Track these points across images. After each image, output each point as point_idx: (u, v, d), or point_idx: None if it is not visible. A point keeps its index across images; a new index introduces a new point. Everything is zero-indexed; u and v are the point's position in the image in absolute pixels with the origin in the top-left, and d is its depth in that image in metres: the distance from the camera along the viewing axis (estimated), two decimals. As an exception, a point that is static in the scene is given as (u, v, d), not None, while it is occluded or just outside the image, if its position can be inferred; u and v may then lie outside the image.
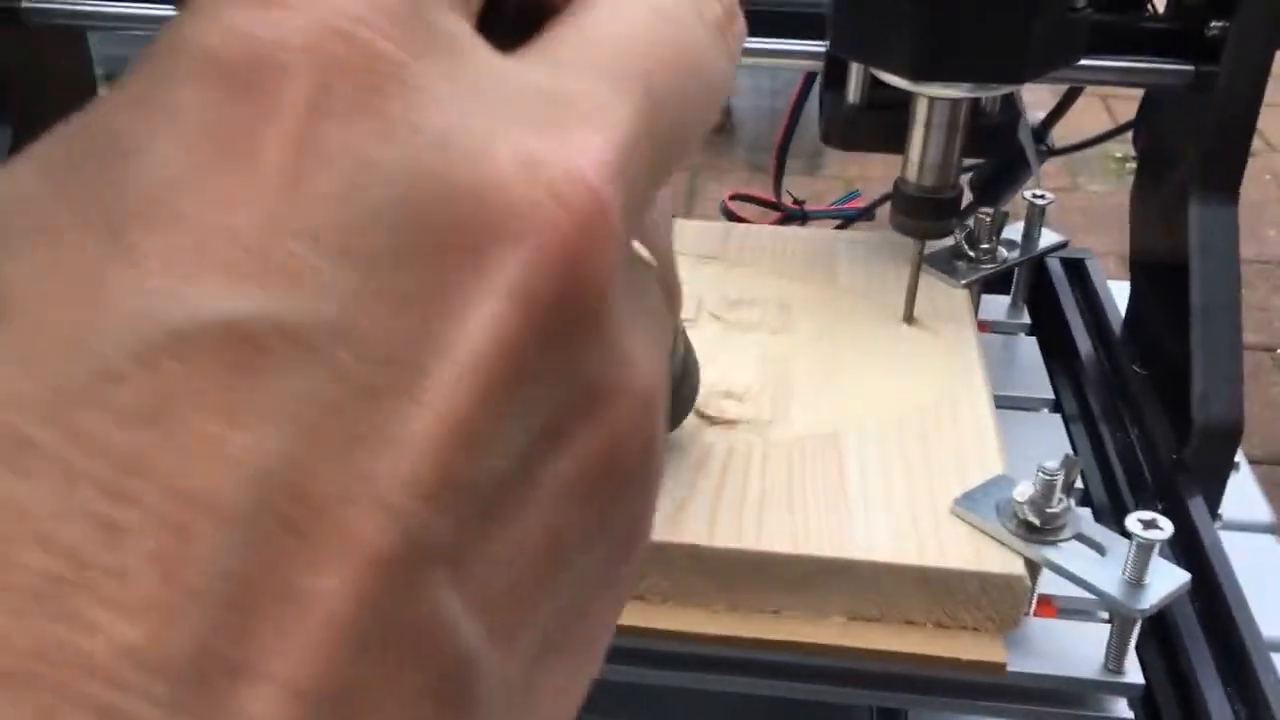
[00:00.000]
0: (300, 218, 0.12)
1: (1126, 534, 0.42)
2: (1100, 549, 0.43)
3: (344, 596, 0.12)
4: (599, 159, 0.14)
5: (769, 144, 0.99)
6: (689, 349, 0.48)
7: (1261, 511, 0.63)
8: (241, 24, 0.13)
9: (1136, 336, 0.66)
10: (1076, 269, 0.73)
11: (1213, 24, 0.58)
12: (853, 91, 0.60)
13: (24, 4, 0.66)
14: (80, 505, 0.11)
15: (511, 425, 0.13)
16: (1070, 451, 0.56)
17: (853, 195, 0.89)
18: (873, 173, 2.24)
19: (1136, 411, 0.60)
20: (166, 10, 0.66)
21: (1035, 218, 0.64)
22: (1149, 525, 0.42)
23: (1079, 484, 0.57)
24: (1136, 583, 0.42)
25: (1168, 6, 0.63)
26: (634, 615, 0.44)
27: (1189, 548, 0.51)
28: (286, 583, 0.11)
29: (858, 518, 0.45)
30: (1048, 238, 0.65)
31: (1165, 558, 0.44)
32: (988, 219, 0.61)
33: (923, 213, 0.57)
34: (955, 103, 0.54)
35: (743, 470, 0.48)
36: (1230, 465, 0.58)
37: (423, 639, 0.12)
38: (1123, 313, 0.68)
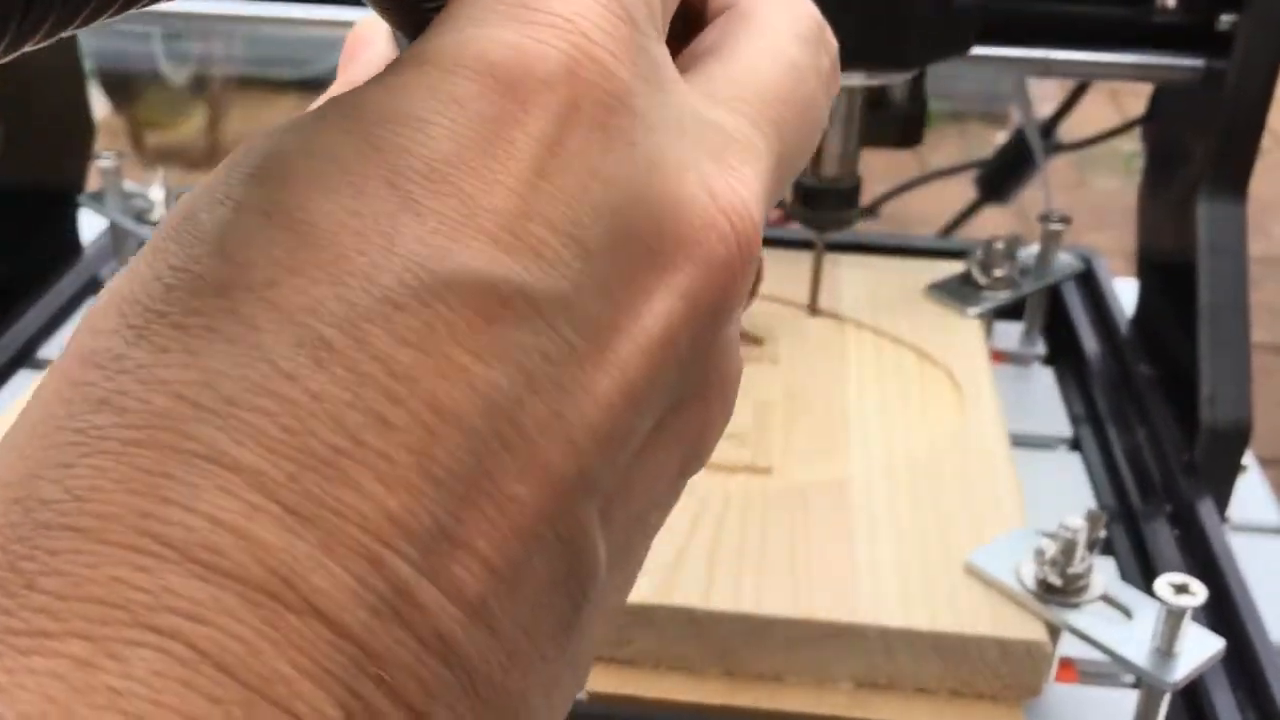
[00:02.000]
0: (543, 206, 0.16)
1: (1153, 591, 0.39)
2: (1127, 612, 0.40)
3: (532, 502, 0.15)
4: (755, 189, 0.18)
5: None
6: None
7: (1271, 513, 0.62)
8: (516, 40, 0.16)
9: (1144, 335, 0.65)
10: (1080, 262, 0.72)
11: (1223, 18, 0.57)
12: None
13: None
14: (363, 398, 0.14)
15: (659, 396, 0.17)
16: (1092, 496, 0.55)
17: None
18: (876, 169, 2.23)
19: (1144, 412, 0.59)
20: (160, 7, 0.65)
21: (1050, 243, 0.62)
22: (1180, 590, 0.38)
23: (1085, 484, 0.56)
24: (1167, 652, 0.39)
25: (1178, 0, 0.62)
26: (623, 682, 0.41)
27: (1197, 550, 0.51)
28: (496, 485, 0.15)
29: (865, 577, 0.42)
30: (1064, 264, 0.63)
31: (1177, 567, 0.42)
32: (1001, 246, 0.60)
33: (824, 204, 0.56)
34: (850, 92, 0.54)
35: (741, 523, 0.45)
36: (1239, 466, 0.57)
37: (572, 545, 0.16)
38: (1130, 311, 0.67)
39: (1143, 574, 0.51)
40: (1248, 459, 0.60)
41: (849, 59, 0.51)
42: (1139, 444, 0.58)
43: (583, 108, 0.16)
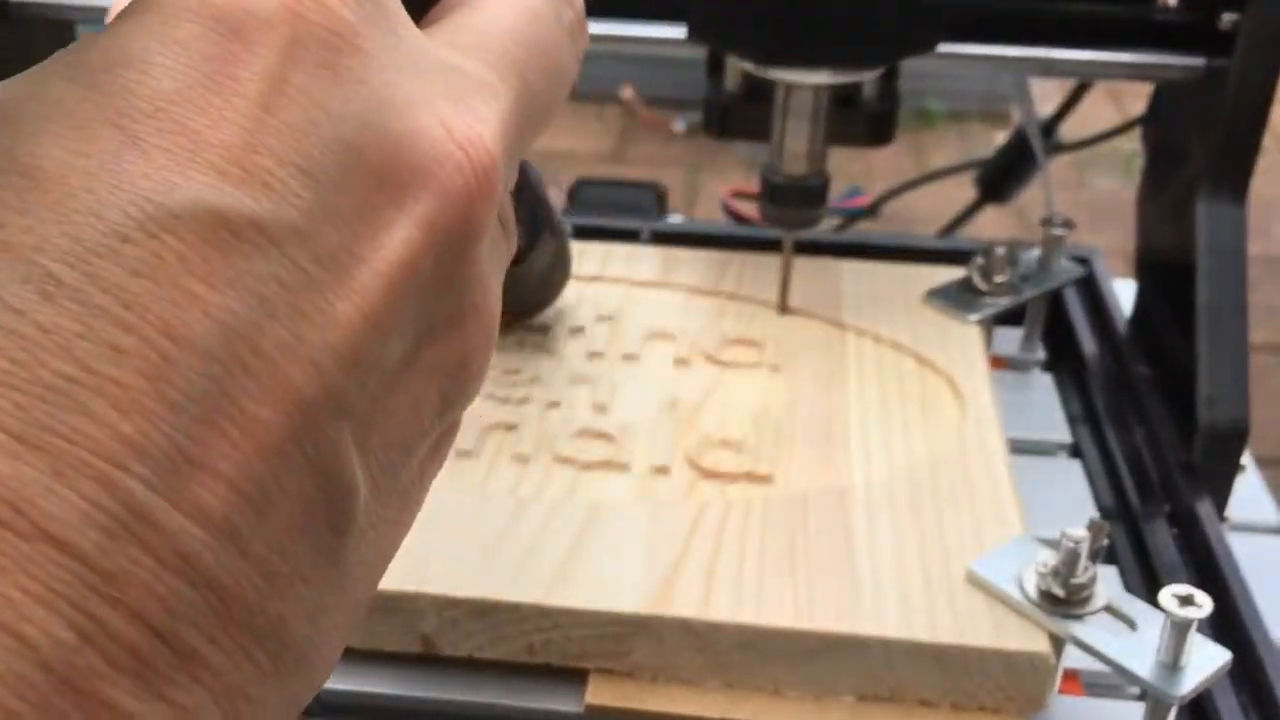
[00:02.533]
0: (270, 140, 0.16)
1: (1156, 599, 0.39)
2: (1131, 623, 0.40)
3: (277, 423, 0.16)
4: (494, 128, 0.19)
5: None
6: (564, 236, 0.54)
7: (1269, 513, 0.62)
8: None
9: (1142, 335, 0.65)
10: (1082, 266, 0.72)
11: (1225, 17, 0.57)
12: (730, 80, 0.59)
13: (15, -8, 0.65)
14: (94, 328, 0.14)
15: (406, 323, 0.18)
16: (1092, 504, 0.54)
17: (855, 193, 0.89)
18: (876, 169, 2.23)
19: (1142, 412, 0.59)
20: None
21: (1052, 249, 0.62)
22: (1185, 601, 0.38)
23: (1086, 491, 0.56)
24: (1173, 664, 0.38)
25: (1180, -1, 0.62)
26: (621, 694, 0.41)
27: (1196, 550, 0.51)
28: (237, 407, 0.15)
29: (865, 587, 0.42)
30: (1065, 269, 0.63)
31: (1183, 575, 0.42)
32: (1002, 251, 0.59)
33: (790, 202, 0.56)
34: (816, 90, 0.54)
35: (740, 531, 0.44)
36: (1237, 466, 0.57)
37: (324, 468, 0.16)
38: (1128, 311, 0.67)
39: (1143, 575, 0.51)
40: (1246, 459, 0.60)
41: (815, 57, 0.51)
42: (1137, 444, 0.58)
43: (307, 45, 0.17)
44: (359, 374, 0.17)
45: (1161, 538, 0.52)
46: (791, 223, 0.57)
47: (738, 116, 0.59)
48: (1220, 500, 0.56)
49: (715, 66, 0.60)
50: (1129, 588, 0.51)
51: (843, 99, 0.57)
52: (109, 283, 0.15)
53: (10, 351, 0.14)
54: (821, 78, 0.52)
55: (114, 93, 0.16)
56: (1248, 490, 0.61)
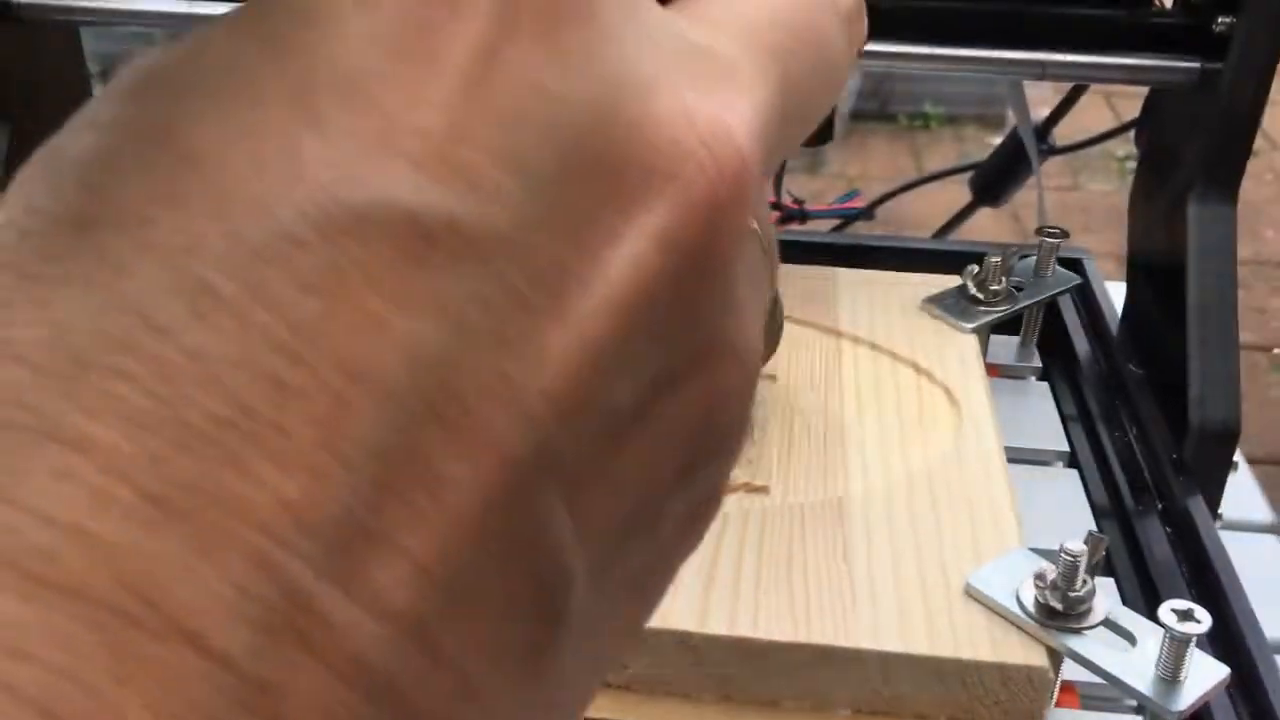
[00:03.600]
0: (479, 127, 0.13)
1: (1157, 618, 0.39)
2: (1130, 638, 0.40)
3: (473, 487, 0.12)
4: (746, 122, 0.15)
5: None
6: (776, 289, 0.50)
7: (1261, 511, 0.63)
8: None
9: (1134, 336, 0.66)
10: (1074, 268, 0.73)
11: (1219, 20, 0.58)
12: None
13: (18, -3, 0.65)
14: (254, 357, 0.11)
15: (637, 361, 0.14)
16: (1089, 515, 0.54)
17: (852, 195, 0.89)
18: (873, 171, 2.24)
19: (1134, 412, 0.59)
20: (158, 6, 0.66)
21: (1047, 257, 0.62)
22: (1184, 617, 0.38)
23: (1083, 501, 0.56)
24: (1171, 679, 0.38)
25: (1174, 3, 0.63)
26: (618, 708, 0.41)
27: (1189, 549, 0.51)
28: (426, 465, 0.12)
29: (863, 600, 0.42)
30: (1061, 277, 0.63)
31: (1179, 580, 0.42)
32: (997, 259, 0.60)
33: None
34: None
35: (738, 543, 0.44)
36: (1229, 465, 0.57)
37: (533, 545, 0.13)
38: (1120, 313, 0.68)
39: (1138, 578, 0.52)
40: (1238, 458, 0.60)
41: None
42: (1130, 444, 0.58)
43: (524, 10, 0.13)
44: (578, 426, 0.13)
45: (1156, 537, 0.53)
46: None
47: None
48: (1213, 499, 0.57)
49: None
50: (1123, 591, 0.51)
51: None
52: (275, 298, 0.12)
53: (148, 383, 0.11)
54: None
55: (295, 57, 0.13)
56: (1240, 489, 0.62)
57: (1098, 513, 0.55)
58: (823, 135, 0.60)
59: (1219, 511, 0.57)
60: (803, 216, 0.85)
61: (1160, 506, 0.54)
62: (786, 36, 0.17)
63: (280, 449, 0.11)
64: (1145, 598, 0.50)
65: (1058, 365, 0.66)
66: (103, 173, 0.12)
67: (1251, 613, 0.47)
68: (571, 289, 0.13)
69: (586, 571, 0.14)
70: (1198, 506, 0.52)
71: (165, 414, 0.11)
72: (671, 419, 0.15)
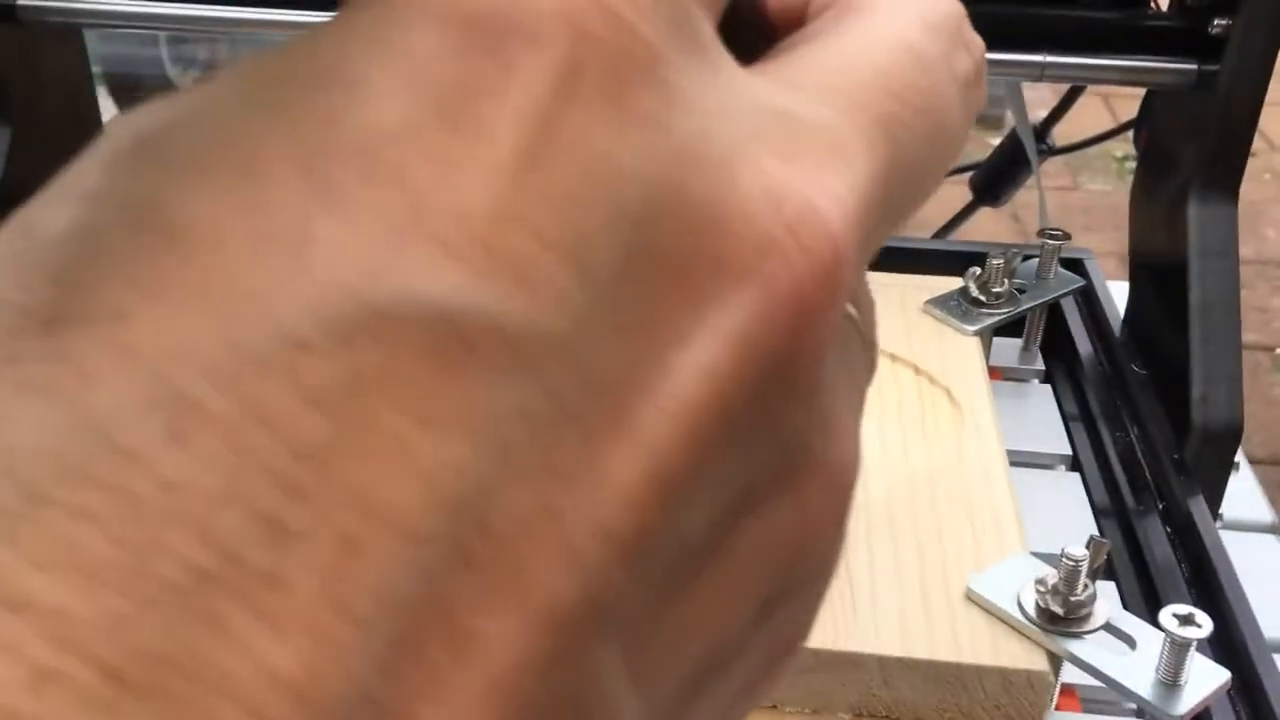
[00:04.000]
0: (531, 210, 0.11)
1: (1157, 622, 0.39)
2: (1131, 642, 0.40)
3: (511, 649, 0.10)
4: (843, 204, 0.12)
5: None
6: None
7: (1262, 511, 0.63)
8: None
9: (1136, 336, 0.66)
10: (1076, 268, 0.73)
11: (1216, 22, 0.58)
12: None
13: (20, 1, 0.65)
14: (246, 493, 0.09)
15: (711, 484, 0.12)
16: (1091, 518, 0.54)
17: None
18: (872, 172, 2.24)
19: (1136, 411, 0.60)
20: (161, 9, 0.66)
21: (1049, 259, 0.62)
22: (1185, 621, 0.38)
23: (1085, 505, 0.56)
24: (1172, 683, 0.38)
25: (1171, 4, 0.63)
26: None
27: (1190, 548, 0.51)
28: (454, 624, 0.10)
29: (864, 603, 0.41)
30: (1063, 279, 0.63)
31: (1180, 582, 0.42)
32: (999, 261, 0.60)
33: None
34: None
35: None
36: (1230, 465, 0.58)
37: (582, 706, 0.11)
38: (1122, 312, 0.68)
39: (1139, 579, 0.52)
40: (1239, 458, 0.60)
41: None
42: (1132, 444, 0.58)
43: (588, 73, 0.11)
44: (641, 566, 0.11)
45: (1156, 537, 0.53)
46: None
47: None
48: (1214, 499, 0.57)
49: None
50: (1124, 591, 0.51)
51: None
52: (273, 417, 0.09)
53: (111, 525, 0.09)
54: None
55: (310, 122, 0.11)
56: (1241, 489, 0.62)
57: (1099, 513, 0.56)
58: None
59: (1220, 511, 0.58)
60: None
61: (1161, 506, 0.54)
62: (896, 104, 0.14)
63: (275, 607, 0.09)
64: (1145, 598, 0.50)
65: (1060, 366, 0.66)
66: (77, 257, 0.10)
67: (1252, 615, 0.47)
68: (634, 403, 0.11)
69: None
70: (1199, 507, 0.53)
71: (131, 565, 0.09)
72: (753, 548, 0.13)
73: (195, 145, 0.11)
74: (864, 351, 0.15)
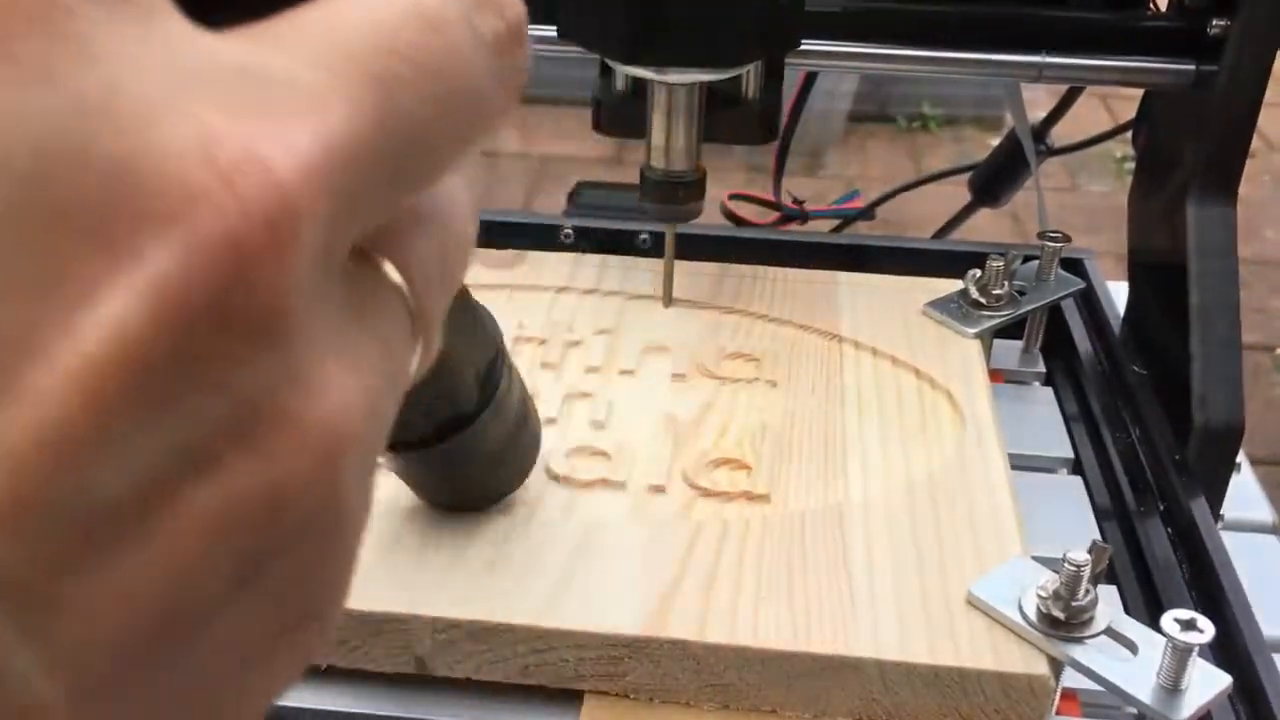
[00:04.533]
0: None
1: (1159, 627, 0.39)
2: (1132, 647, 0.40)
3: None
4: (300, 152, 0.12)
5: (769, 144, 0.99)
6: (525, 395, 0.44)
7: (1263, 512, 0.63)
8: None
9: (1136, 336, 0.66)
10: (1075, 268, 0.73)
11: (1214, 23, 0.58)
12: (620, 79, 0.60)
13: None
14: None
15: (133, 445, 0.11)
16: (1093, 521, 0.54)
17: (853, 195, 0.89)
18: (873, 173, 2.24)
19: (1136, 412, 0.60)
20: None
21: (1049, 261, 0.62)
22: (1187, 626, 0.38)
23: (1087, 508, 0.56)
24: (1173, 688, 0.38)
25: (1169, 5, 0.63)
26: (617, 715, 0.41)
27: (1191, 549, 0.51)
28: None
29: (863, 608, 0.42)
30: (1064, 281, 0.63)
31: (1181, 584, 0.41)
32: (999, 264, 0.60)
33: (670, 197, 0.58)
34: (689, 87, 0.55)
35: (738, 552, 0.44)
36: (1231, 466, 0.58)
37: None
38: (1121, 313, 0.68)
39: (1139, 581, 0.52)
40: (1240, 458, 0.60)
41: (676, 56, 0.53)
42: (1133, 444, 0.58)
43: None
44: (36, 538, 0.11)
45: (1157, 538, 0.53)
46: (672, 216, 0.59)
47: (625, 115, 0.60)
48: (1215, 499, 0.57)
49: (606, 68, 0.61)
50: (1124, 592, 0.51)
51: (729, 99, 0.59)
52: None
53: None
54: (688, 77, 0.54)
55: None
56: (1242, 489, 0.62)
57: (1100, 514, 0.55)
58: (771, 133, 0.61)
59: (1221, 512, 0.58)
60: (803, 217, 0.85)
61: (1162, 507, 0.54)
62: (396, 61, 0.14)
63: None
64: (1147, 601, 0.50)
65: (1061, 368, 0.66)
66: None
67: (1253, 617, 0.47)
68: (24, 364, 0.11)
69: (79, 698, 0.11)
70: (1200, 507, 0.53)
71: None
72: (206, 510, 0.12)
73: None
74: (404, 320, 0.15)
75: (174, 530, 0.12)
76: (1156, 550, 0.52)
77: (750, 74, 0.59)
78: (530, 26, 0.17)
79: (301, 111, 0.13)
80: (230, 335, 0.12)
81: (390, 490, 0.47)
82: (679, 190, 0.57)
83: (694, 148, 0.57)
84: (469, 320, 0.40)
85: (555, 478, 0.48)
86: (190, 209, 0.11)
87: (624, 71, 0.57)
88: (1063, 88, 0.77)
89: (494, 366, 0.41)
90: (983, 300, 0.59)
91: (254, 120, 0.12)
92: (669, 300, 0.60)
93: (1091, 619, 0.40)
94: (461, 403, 0.40)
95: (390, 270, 0.15)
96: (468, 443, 0.41)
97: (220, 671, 0.13)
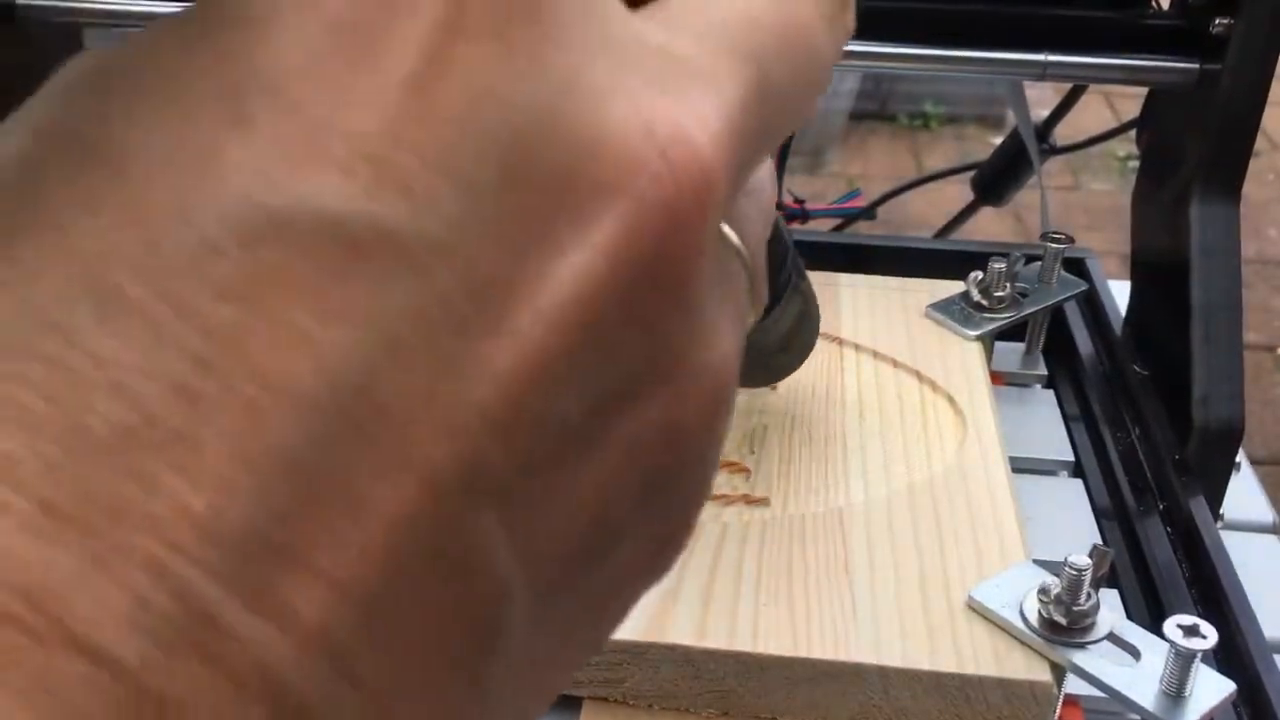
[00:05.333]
0: (418, 131, 0.12)
1: (1162, 632, 0.39)
2: (1134, 652, 0.40)
3: (396, 507, 0.12)
4: (711, 127, 0.14)
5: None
6: (809, 292, 0.49)
7: (1263, 511, 0.63)
8: None
9: (1137, 336, 0.66)
10: (1077, 268, 0.73)
11: (1218, 21, 0.58)
12: None
13: (20, 1, 0.65)
14: (162, 365, 0.11)
15: (585, 378, 0.13)
16: (1094, 525, 0.54)
17: (853, 194, 0.89)
18: (874, 171, 2.24)
19: (1137, 412, 0.59)
20: (160, 7, 0.66)
21: (1051, 263, 0.62)
22: (1190, 632, 0.38)
23: (1088, 512, 0.56)
24: (1176, 694, 0.38)
25: (1172, 4, 0.63)
26: None
27: (1191, 548, 0.51)
28: (345, 483, 0.12)
29: (864, 613, 0.41)
30: (1066, 283, 0.63)
31: (1182, 584, 0.41)
32: (1001, 266, 0.59)
33: None
34: None
35: (737, 556, 0.44)
36: (1231, 465, 0.57)
37: (464, 565, 0.13)
38: (1123, 312, 0.68)
39: (1140, 579, 0.52)
40: (1240, 458, 0.60)
41: None
42: (1133, 443, 0.58)
43: (473, 12, 0.13)
44: (516, 444, 0.13)
45: (1157, 538, 0.53)
46: None
47: None
48: (1215, 498, 0.57)
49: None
50: (1125, 593, 0.51)
51: None
52: (189, 305, 0.11)
53: (48, 387, 0.11)
54: None
55: (226, 59, 0.12)
56: (1242, 489, 0.62)
57: (1100, 515, 0.55)
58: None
59: (1221, 512, 0.57)
60: (804, 216, 0.85)
61: (1162, 507, 0.54)
62: (765, 35, 0.16)
63: (186, 460, 0.11)
64: (1147, 601, 0.50)
65: (1062, 369, 0.66)
66: (25, 177, 0.12)
67: (1254, 618, 0.47)
68: (511, 303, 0.13)
69: (530, 592, 0.13)
70: (1200, 507, 0.52)
71: (65, 421, 0.11)
72: (628, 439, 0.14)
73: (133, 80, 0.13)
74: (747, 280, 0.17)
75: (605, 451, 0.14)
76: (1157, 552, 0.52)
77: None
78: None
79: (707, 89, 0.14)
80: (660, 289, 0.14)
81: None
82: None
83: None
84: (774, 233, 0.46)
85: None
86: (638, 179, 0.13)
87: None
88: (1066, 86, 0.76)
89: (784, 265, 0.45)
90: (984, 302, 0.59)
91: (675, 99, 0.14)
92: None
93: (1093, 624, 0.40)
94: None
95: (730, 234, 0.16)
96: (763, 332, 0.45)
97: (621, 580, 0.15)
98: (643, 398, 0.14)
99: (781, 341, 0.48)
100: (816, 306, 0.50)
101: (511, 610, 0.13)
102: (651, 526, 0.15)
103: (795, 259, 0.47)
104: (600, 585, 0.15)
